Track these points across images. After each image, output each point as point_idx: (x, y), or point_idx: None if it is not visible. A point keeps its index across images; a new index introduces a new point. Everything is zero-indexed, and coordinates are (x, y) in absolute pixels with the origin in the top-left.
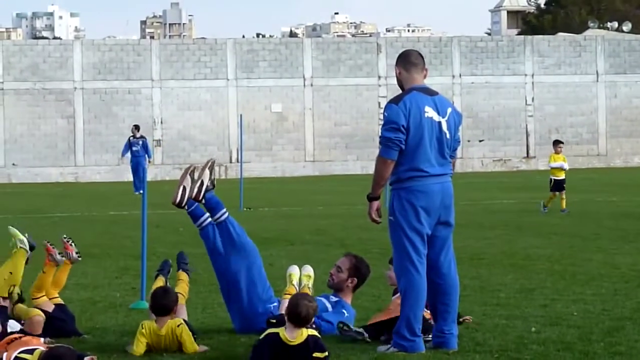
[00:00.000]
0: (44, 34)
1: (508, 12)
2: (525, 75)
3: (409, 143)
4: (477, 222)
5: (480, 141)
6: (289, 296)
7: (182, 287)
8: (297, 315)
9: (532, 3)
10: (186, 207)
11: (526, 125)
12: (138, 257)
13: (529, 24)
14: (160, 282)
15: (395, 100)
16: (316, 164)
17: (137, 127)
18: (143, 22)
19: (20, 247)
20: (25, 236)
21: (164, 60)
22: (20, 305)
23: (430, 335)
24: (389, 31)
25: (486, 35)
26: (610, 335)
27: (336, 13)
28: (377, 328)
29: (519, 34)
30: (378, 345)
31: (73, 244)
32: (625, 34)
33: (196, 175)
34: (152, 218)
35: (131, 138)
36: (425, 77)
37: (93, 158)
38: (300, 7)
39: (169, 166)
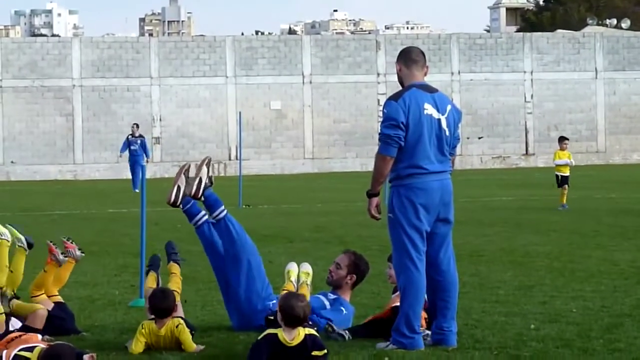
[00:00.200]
0: (43, 31)
1: (507, 9)
2: (524, 72)
3: (408, 140)
4: (476, 219)
5: (480, 138)
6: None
7: (176, 283)
8: (293, 318)
9: (531, 0)
10: (181, 206)
11: (525, 122)
12: (137, 254)
13: (528, 21)
14: (152, 278)
15: (395, 97)
16: (315, 161)
17: (137, 126)
18: (142, 20)
19: (19, 246)
20: (23, 235)
21: (162, 58)
22: (18, 301)
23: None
24: (388, 28)
25: (485, 32)
26: (610, 332)
27: (335, 10)
28: (374, 326)
29: (518, 31)
30: (377, 342)
31: (73, 242)
32: (624, 31)
33: (193, 174)
34: (151, 216)
35: (130, 137)
36: (425, 74)
37: (92, 156)
38: (299, 5)
39: (167, 163)
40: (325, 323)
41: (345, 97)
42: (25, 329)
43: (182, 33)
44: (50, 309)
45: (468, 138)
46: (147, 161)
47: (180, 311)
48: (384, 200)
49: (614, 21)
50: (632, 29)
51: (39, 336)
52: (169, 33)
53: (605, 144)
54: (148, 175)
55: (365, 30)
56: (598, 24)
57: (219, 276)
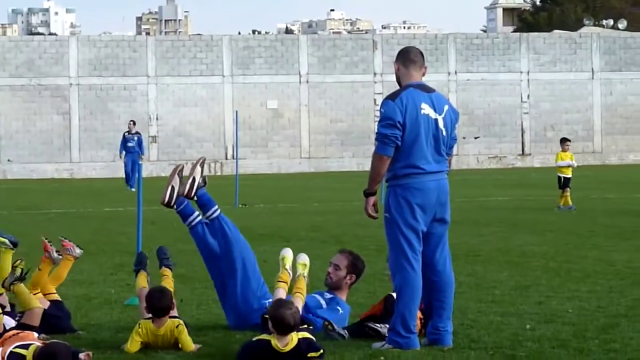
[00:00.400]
0: (40, 30)
1: (504, 9)
2: (521, 72)
3: (405, 140)
4: (472, 219)
5: (476, 138)
6: (283, 284)
7: (169, 283)
8: (284, 326)
9: (528, 0)
10: (175, 206)
11: (521, 123)
12: (133, 253)
13: (525, 21)
14: (143, 278)
15: (392, 97)
16: (312, 160)
17: (133, 123)
18: (139, 19)
19: (5, 248)
20: (4, 236)
21: (159, 57)
22: (21, 286)
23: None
24: (384, 28)
25: (482, 32)
26: (605, 333)
27: (332, 10)
28: (367, 323)
29: (515, 31)
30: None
31: (71, 241)
32: (620, 32)
33: (187, 173)
34: (148, 214)
35: (126, 134)
36: (424, 74)
37: (88, 154)
38: (296, 4)
39: (164, 162)
40: (321, 322)
41: (342, 96)
42: (21, 326)
43: (179, 32)
44: (46, 307)
45: (464, 138)
46: (141, 157)
47: (174, 310)
48: (380, 200)
49: (611, 22)
50: (628, 30)
51: (35, 334)
52: (165, 32)
53: (602, 145)
54: (144, 174)
55: (362, 30)
56: (595, 25)
57: (214, 276)
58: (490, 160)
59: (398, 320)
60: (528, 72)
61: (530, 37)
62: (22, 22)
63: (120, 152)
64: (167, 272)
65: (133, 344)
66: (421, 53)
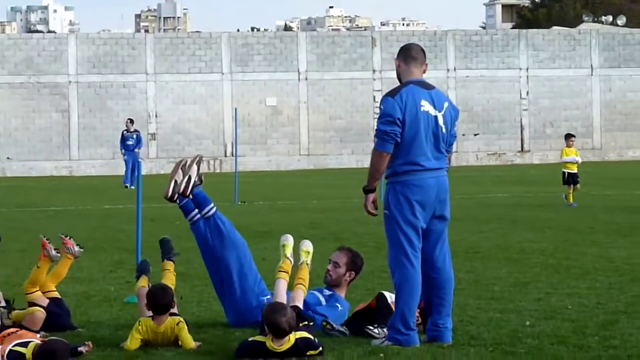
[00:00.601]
0: (39, 27)
1: (503, 5)
2: (520, 69)
3: (404, 136)
4: (472, 216)
5: (475, 135)
6: (284, 273)
7: (170, 279)
8: (279, 332)
9: None
10: (177, 201)
11: (521, 119)
12: (133, 251)
13: (524, 17)
14: (144, 280)
15: (392, 93)
16: (311, 157)
17: (131, 121)
18: (138, 16)
19: None
20: None
21: (158, 54)
22: (16, 311)
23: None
24: (383, 25)
25: (481, 28)
26: (605, 329)
27: (331, 7)
28: (363, 315)
29: (514, 27)
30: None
31: (72, 239)
32: (619, 28)
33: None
34: (147, 212)
35: (125, 132)
36: (424, 72)
37: (87, 152)
38: (294, 1)
39: (163, 160)
40: (320, 319)
41: (340, 93)
42: (21, 327)
43: (178, 29)
44: (45, 305)
45: (464, 135)
46: (138, 150)
47: (173, 307)
48: (379, 196)
49: (610, 18)
50: (627, 26)
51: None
52: (164, 29)
53: (601, 141)
54: (144, 171)
55: (361, 27)
56: (594, 21)
57: (213, 274)
58: (490, 157)
59: (397, 317)
60: (527, 69)
61: (530, 34)
62: (21, 20)
63: (121, 151)
64: (169, 265)
65: (133, 342)
66: (422, 50)
